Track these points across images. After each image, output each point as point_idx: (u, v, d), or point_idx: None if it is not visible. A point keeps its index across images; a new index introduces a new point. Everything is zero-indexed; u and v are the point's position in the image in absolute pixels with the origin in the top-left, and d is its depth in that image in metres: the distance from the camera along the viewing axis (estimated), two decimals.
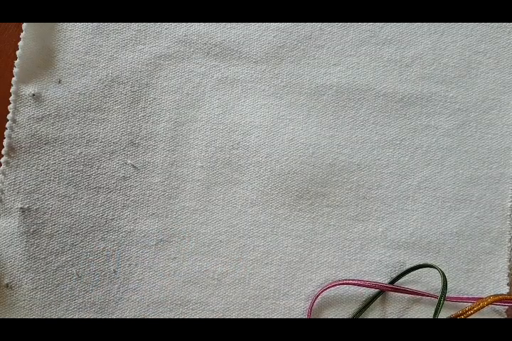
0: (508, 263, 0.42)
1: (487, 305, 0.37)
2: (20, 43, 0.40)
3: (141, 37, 0.41)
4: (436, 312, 0.38)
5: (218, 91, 0.42)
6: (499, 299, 0.38)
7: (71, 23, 0.41)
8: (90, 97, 0.40)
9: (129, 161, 0.40)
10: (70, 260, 0.39)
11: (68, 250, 0.39)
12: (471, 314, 0.37)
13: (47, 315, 0.39)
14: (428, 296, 0.41)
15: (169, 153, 0.41)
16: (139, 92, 0.41)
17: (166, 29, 0.42)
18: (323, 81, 0.42)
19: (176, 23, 0.42)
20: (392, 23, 0.43)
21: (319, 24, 0.43)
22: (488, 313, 0.41)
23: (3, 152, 0.39)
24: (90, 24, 0.41)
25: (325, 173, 0.42)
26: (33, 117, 0.40)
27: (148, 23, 0.41)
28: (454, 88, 0.43)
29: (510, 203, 0.43)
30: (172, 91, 0.41)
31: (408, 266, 0.41)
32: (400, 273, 0.41)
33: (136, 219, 0.40)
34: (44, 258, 0.39)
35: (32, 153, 0.40)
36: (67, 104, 0.40)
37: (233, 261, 0.41)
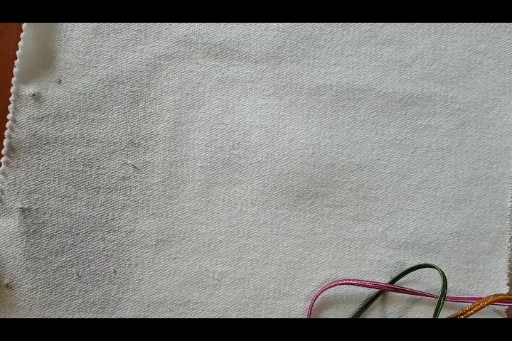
0: (508, 263, 0.42)
1: (487, 305, 0.37)
2: (20, 43, 0.40)
3: (141, 37, 0.41)
4: (436, 312, 0.38)
5: (218, 91, 0.42)
6: (499, 299, 0.38)
7: (71, 23, 0.41)
8: (90, 97, 0.40)
9: (129, 161, 0.40)
10: (70, 260, 0.39)
11: (68, 250, 0.39)
12: (471, 314, 0.37)
13: (47, 315, 0.39)
14: (428, 296, 0.41)
15: (169, 153, 0.41)
16: (139, 92, 0.41)
17: (166, 29, 0.42)
18: (323, 81, 0.42)
19: (175, 23, 0.42)
20: (392, 23, 0.43)
21: (319, 24, 0.43)
22: (488, 313, 0.41)
23: (3, 152, 0.39)
24: (90, 24, 0.41)
25: (325, 173, 0.42)
26: (33, 117, 0.40)
27: (148, 23, 0.41)
28: (454, 88, 0.43)
29: (510, 203, 0.43)
30: (172, 91, 0.41)
31: (408, 266, 0.41)
32: (400, 273, 0.41)
33: (136, 219, 0.40)
34: (44, 258, 0.39)
35: (32, 153, 0.40)
36: (67, 104, 0.40)
37: (233, 261, 0.41)
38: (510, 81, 0.44)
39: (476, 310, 0.37)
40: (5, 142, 0.39)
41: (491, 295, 0.38)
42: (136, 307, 0.40)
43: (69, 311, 0.39)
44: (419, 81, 0.43)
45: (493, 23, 0.44)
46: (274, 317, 0.40)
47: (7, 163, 0.39)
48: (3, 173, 0.39)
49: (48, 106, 0.40)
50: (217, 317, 0.40)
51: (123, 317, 0.39)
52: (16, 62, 0.40)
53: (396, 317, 0.41)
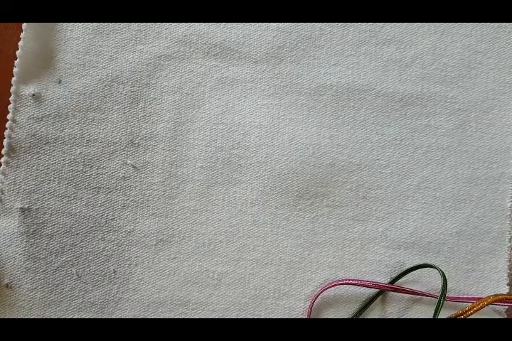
0: (508, 263, 0.42)
1: (487, 305, 0.37)
2: (20, 43, 0.40)
3: (141, 37, 0.41)
4: (436, 312, 0.38)
5: (218, 91, 0.42)
6: (499, 299, 0.38)
7: (71, 23, 0.41)
8: (90, 97, 0.40)
9: (129, 161, 0.40)
10: (69, 260, 0.39)
11: (68, 250, 0.39)
12: (471, 314, 0.37)
13: (47, 315, 0.39)
14: (428, 296, 0.41)
15: (169, 153, 0.41)
16: (139, 92, 0.41)
17: (166, 29, 0.42)
18: (323, 81, 0.42)
19: (175, 23, 0.42)
20: (392, 23, 0.43)
21: (319, 24, 0.43)
22: (488, 313, 0.41)
23: (3, 152, 0.39)
24: (90, 24, 0.41)
25: (325, 173, 0.42)
26: (33, 117, 0.40)
27: (148, 23, 0.41)
28: (454, 88, 0.43)
29: (510, 203, 0.43)
30: (172, 91, 0.41)
31: (408, 266, 0.41)
32: (400, 273, 0.41)
33: (136, 219, 0.40)
34: (44, 258, 0.39)
35: (32, 153, 0.40)
36: (67, 104, 0.40)
37: (233, 261, 0.41)
38: (510, 81, 0.44)
39: (476, 310, 0.37)
40: (5, 142, 0.39)
41: (491, 295, 0.38)
42: (136, 307, 0.40)
43: (69, 311, 0.39)
44: (419, 81, 0.43)
45: (493, 23, 0.44)
46: (274, 317, 0.40)
47: (7, 163, 0.39)
48: (3, 173, 0.39)
49: (47, 106, 0.40)
50: (217, 317, 0.40)
51: (123, 317, 0.39)
52: (16, 62, 0.40)
53: (396, 317, 0.41)
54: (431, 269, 0.40)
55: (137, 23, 0.41)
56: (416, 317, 0.41)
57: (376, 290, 0.41)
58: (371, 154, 0.42)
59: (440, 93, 0.43)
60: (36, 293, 0.39)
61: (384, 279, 0.41)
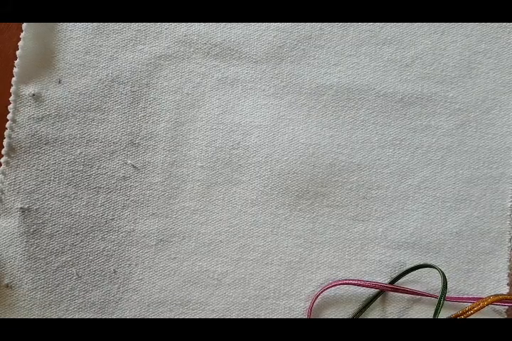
0: (508, 263, 0.42)
1: (487, 305, 0.37)
2: (20, 43, 0.40)
3: (141, 37, 0.41)
4: (436, 312, 0.38)
5: (218, 91, 0.42)
6: (499, 299, 0.38)
7: (71, 23, 0.41)
8: (90, 97, 0.40)
9: (129, 161, 0.40)
10: (70, 260, 0.39)
11: (68, 250, 0.39)
12: (471, 314, 0.37)
13: (47, 315, 0.39)
14: (428, 296, 0.41)
15: (169, 153, 0.41)
16: (139, 92, 0.41)
17: (166, 29, 0.42)
18: (323, 81, 0.42)
19: (175, 23, 0.42)
20: (392, 23, 0.43)
21: (319, 24, 0.43)
22: (488, 313, 0.41)
23: (3, 152, 0.39)
24: (90, 24, 0.41)
25: (325, 173, 0.42)
26: (33, 117, 0.40)
27: (148, 23, 0.41)
28: (454, 88, 0.43)
29: (510, 203, 0.43)
30: (172, 91, 0.41)
31: (408, 266, 0.41)
32: (400, 273, 0.41)
33: (136, 219, 0.40)
34: (44, 258, 0.39)
35: (32, 153, 0.40)
36: (67, 104, 0.40)
37: (233, 261, 0.41)
38: (510, 81, 0.44)
39: (476, 310, 0.37)
40: (5, 142, 0.39)
41: (491, 295, 0.38)
42: (136, 307, 0.40)
43: (69, 311, 0.39)
44: (419, 81, 0.43)
45: (493, 23, 0.44)
46: (274, 317, 0.40)
47: (7, 163, 0.39)
48: (3, 173, 0.39)
49: (48, 106, 0.40)
50: (217, 317, 0.40)
51: (123, 317, 0.39)
52: (16, 62, 0.40)
53: (396, 317, 0.41)
54: (431, 269, 0.40)
55: (137, 23, 0.41)
56: (416, 317, 0.41)
57: (376, 290, 0.41)
58: (371, 154, 0.42)
59: (440, 93, 0.43)
60: (36, 293, 0.39)
61: (384, 279, 0.41)
